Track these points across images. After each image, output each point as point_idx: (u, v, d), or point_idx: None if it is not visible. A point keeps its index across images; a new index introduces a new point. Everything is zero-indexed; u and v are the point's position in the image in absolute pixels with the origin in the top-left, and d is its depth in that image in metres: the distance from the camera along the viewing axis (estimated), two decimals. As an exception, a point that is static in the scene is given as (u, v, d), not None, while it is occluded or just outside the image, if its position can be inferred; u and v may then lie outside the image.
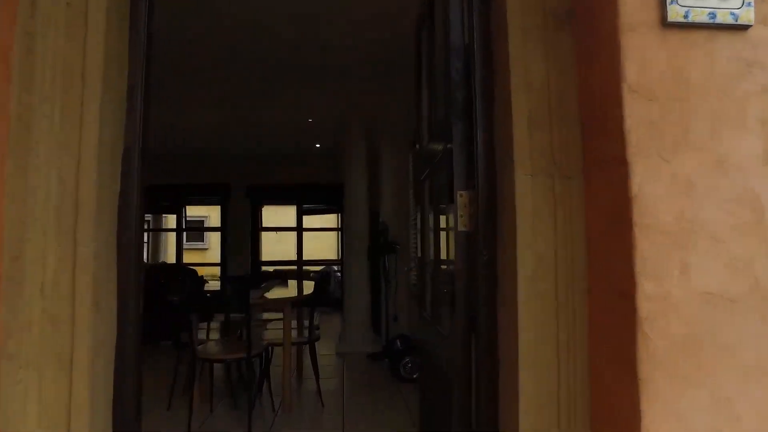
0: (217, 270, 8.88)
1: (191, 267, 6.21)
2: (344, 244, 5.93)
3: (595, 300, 1.19)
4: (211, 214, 15.43)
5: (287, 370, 3.29)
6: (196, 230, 9.25)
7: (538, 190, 1.22)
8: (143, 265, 6.80)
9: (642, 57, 1.05)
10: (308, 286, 4.26)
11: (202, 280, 4.18)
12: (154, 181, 7.83)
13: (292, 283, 4.63)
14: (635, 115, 1.04)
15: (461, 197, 1.39)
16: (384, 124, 5.63)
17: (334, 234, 13.89)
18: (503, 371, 1.30)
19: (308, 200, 9.19)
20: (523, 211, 1.21)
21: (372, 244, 5.21)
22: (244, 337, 2.89)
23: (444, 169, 1.56)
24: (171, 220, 10.54)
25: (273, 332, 3.75)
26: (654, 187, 1.03)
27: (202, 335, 3.66)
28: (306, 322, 3.79)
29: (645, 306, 1.01)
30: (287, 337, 3.26)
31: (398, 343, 4.76)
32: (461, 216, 1.38)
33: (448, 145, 1.45)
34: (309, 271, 9.90)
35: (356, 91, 5.63)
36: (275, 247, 11.14)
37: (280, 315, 3.37)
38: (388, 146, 5.57)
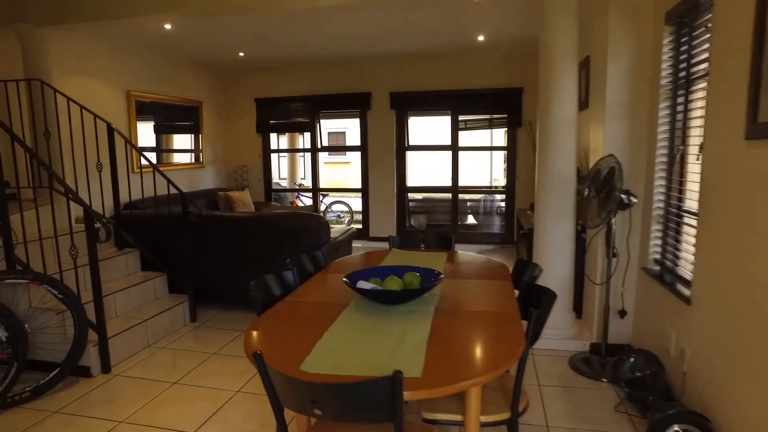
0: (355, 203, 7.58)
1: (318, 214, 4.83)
2: (537, 183, 3.99)
3: None
4: (350, 126, 14.24)
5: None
6: (334, 149, 7.92)
7: None
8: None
9: None
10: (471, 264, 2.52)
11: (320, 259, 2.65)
12: (284, 93, 6.50)
13: (466, 259, 2.91)
14: None
15: None
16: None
17: (486, 154, 11.78)
18: None
19: (467, 109, 7.19)
20: None
21: (598, 191, 3.19)
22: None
23: None
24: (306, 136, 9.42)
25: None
26: None
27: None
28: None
29: None
30: (473, 420, 1.62)
31: (630, 364, 2.89)
32: None
33: None
34: (466, 201, 8.18)
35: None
36: (418, 169, 9.52)
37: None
38: (623, 29, 3.27)
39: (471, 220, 8.16)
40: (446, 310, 1.94)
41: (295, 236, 4.03)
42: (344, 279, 2.03)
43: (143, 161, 6.05)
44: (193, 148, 7.17)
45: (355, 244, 6.69)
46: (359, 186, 7.70)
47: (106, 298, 3.52)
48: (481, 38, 6.13)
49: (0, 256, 3.17)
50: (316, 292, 2.22)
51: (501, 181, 14.80)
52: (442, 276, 2.02)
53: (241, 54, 6.62)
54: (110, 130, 4.11)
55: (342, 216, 9.50)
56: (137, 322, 3.53)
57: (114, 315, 3.63)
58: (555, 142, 3.48)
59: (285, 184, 9.89)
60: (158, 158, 6.46)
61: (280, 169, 10.34)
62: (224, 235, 4.16)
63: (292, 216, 4.10)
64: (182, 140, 7.05)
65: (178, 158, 6.96)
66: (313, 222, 4.04)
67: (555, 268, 3.58)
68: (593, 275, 3.54)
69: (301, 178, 10.16)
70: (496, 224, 8.00)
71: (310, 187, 8.02)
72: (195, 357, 3.43)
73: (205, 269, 4.23)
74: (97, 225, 2.96)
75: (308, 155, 7.86)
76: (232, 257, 4.16)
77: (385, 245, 7.12)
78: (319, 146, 7.75)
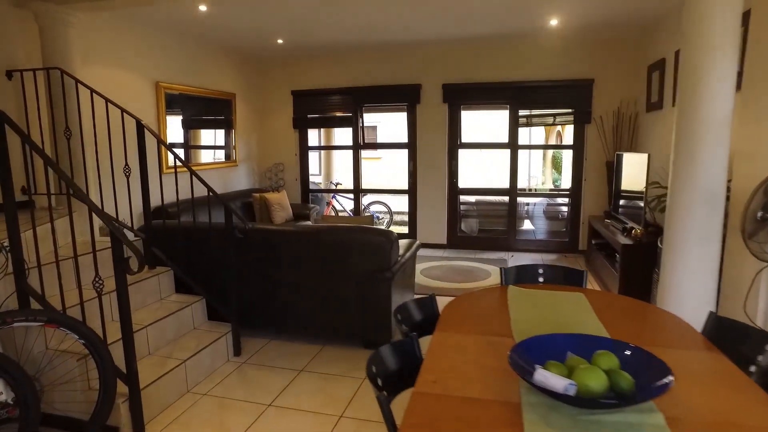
0: (400, 202, 6.82)
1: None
2: (671, 197, 3.27)
3: None
4: (382, 120, 13.50)
5: None
6: (379, 147, 7.16)
7: None
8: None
9: None
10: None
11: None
12: (324, 85, 5.78)
13: (619, 306, 2.18)
14: None
15: None
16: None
17: (522, 153, 10.83)
18: None
19: (527, 103, 6.42)
20: None
21: None
22: None
23: None
24: (341, 132, 8.76)
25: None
26: None
27: None
28: None
29: None
30: None
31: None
32: None
33: None
34: (524, 205, 7.42)
35: None
36: (469, 169, 8.79)
37: None
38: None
39: (526, 225, 7.41)
40: (682, 421, 1.22)
41: (359, 255, 3.35)
42: (512, 364, 1.32)
43: (173, 161, 5.43)
44: (224, 144, 6.53)
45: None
46: (398, 185, 7.01)
47: (137, 334, 2.88)
48: (554, 22, 5.35)
49: (11, 284, 2.55)
50: (458, 373, 1.51)
51: (538, 180, 13.94)
52: (671, 379, 1.28)
53: (280, 41, 5.94)
54: (140, 127, 3.47)
55: (381, 217, 8.82)
56: (175, 365, 2.88)
57: (146, 353, 2.99)
58: (701, 147, 2.71)
59: (317, 182, 9.24)
60: (186, 156, 5.83)
61: (310, 167, 9.69)
62: (274, 252, 3.49)
63: (357, 231, 3.40)
64: (213, 136, 6.42)
65: (207, 156, 6.33)
66: (382, 239, 3.34)
67: (692, 302, 2.82)
68: (753, 316, 2.78)
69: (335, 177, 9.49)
70: (557, 231, 7.23)
71: (351, 188, 7.33)
72: (246, 410, 2.77)
73: (251, 291, 3.58)
74: (128, 253, 2.30)
75: (343, 152, 7.18)
76: (283, 278, 3.50)
77: (437, 253, 6.31)
78: (361, 142, 7.05)
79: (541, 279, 2.52)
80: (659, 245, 3.76)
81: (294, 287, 3.50)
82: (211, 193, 3.41)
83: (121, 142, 3.55)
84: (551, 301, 2.15)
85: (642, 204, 4.39)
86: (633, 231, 4.32)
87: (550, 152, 13.55)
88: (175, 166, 3.50)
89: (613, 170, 5.61)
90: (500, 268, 2.46)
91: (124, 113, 3.46)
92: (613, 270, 4.61)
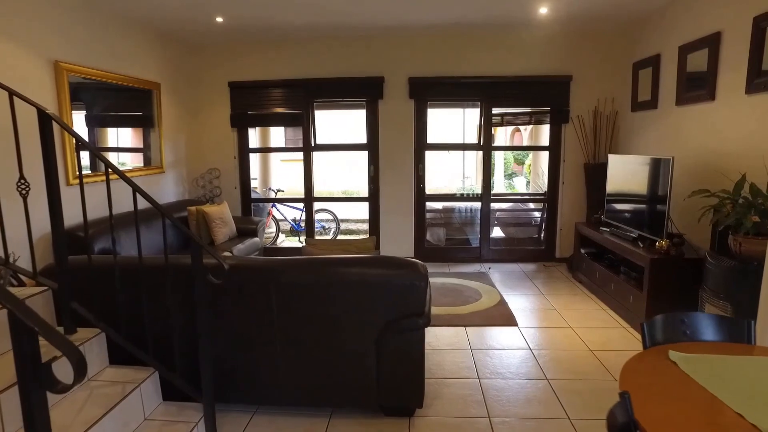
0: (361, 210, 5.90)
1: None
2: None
3: None
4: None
5: None
6: (335, 148, 6.13)
7: None
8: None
9: None
10: None
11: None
12: (268, 76, 4.60)
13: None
14: None
15: None
16: None
17: (456, 153, 10.15)
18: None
19: (500, 101, 5.84)
20: None
21: None
22: None
23: None
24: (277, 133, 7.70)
25: None
26: None
27: None
28: None
29: None
30: None
31: None
32: None
33: None
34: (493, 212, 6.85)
35: None
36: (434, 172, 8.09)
37: None
38: None
39: (495, 233, 6.87)
40: None
41: (380, 297, 2.46)
42: None
43: (89, 169, 4.14)
44: (146, 146, 5.23)
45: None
46: (341, 190, 6.15)
47: (59, 454, 1.76)
48: (543, 10, 4.78)
49: None
50: None
51: (472, 181, 13.69)
52: None
53: (219, 19, 4.82)
54: (44, 120, 2.28)
55: (327, 227, 7.87)
56: (127, 497, 1.80)
57: (75, 481, 1.86)
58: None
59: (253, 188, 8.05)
60: (94, 162, 4.48)
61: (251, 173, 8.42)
62: (259, 296, 2.49)
63: (376, 263, 2.50)
64: (130, 135, 5.11)
65: (124, 160, 5.02)
66: (412, 275, 2.47)
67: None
68: None
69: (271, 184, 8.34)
70: (527, 238, 6.75)
71: (302, 196, 6.31)
72: None
73: (225, 349, 2.54)
74: (50, 353, 1.23)
75: (277, 155, 6.16)
76: (272, 330, 2.50)
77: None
78: (313, 143, 6.06)
79: (687, 331, 1.81)
80: (709, 259, 3.28)
81: (287, 342, 2.52)
82: (171, 218, 2.32)
83: (10, 143, 2.34)
84: (756, 377, 1.44)
85: (660, 210, 3.94)
86: (657, 243, 3.84)
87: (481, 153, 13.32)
88: (107, 176, 2.34)
89: (600, 173, 5.20)
90: (641, 325, 1.71)
91: (15, 98, 2.26)
92: (622, 282, 4.15)
